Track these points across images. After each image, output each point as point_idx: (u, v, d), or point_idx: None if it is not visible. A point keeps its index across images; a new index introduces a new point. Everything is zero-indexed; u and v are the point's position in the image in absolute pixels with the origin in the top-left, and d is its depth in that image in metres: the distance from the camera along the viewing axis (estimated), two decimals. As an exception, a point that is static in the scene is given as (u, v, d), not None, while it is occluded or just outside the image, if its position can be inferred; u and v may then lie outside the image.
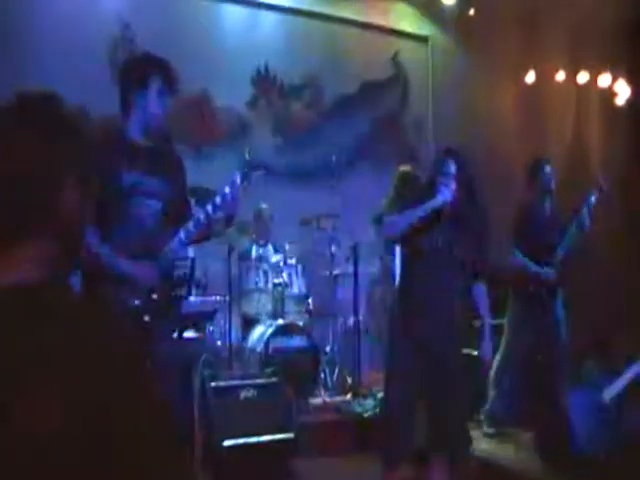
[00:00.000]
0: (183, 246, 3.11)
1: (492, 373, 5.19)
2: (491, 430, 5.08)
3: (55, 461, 1.08)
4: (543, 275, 4.93)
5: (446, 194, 3.63)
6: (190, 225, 3.02)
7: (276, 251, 6.02)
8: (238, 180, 3.01)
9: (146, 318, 2.91)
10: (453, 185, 3.67)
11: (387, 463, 3.65)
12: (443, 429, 3.59)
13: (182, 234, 3.03)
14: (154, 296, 2.97)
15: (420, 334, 3.60)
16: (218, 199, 2.98)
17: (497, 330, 5.38)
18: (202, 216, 2.99)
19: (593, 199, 4.99)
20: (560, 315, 5.06)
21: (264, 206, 5.98)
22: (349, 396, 5.48)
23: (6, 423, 1.09)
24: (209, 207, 2.98)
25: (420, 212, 3.62)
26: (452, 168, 3.69)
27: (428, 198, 3.64)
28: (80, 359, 1.14)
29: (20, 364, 1.12)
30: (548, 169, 5.14)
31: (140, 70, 3.07)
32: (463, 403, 3.80)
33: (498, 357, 5.18)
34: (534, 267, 4.95)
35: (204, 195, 3.13)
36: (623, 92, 8.39)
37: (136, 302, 2.90)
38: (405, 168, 6.21)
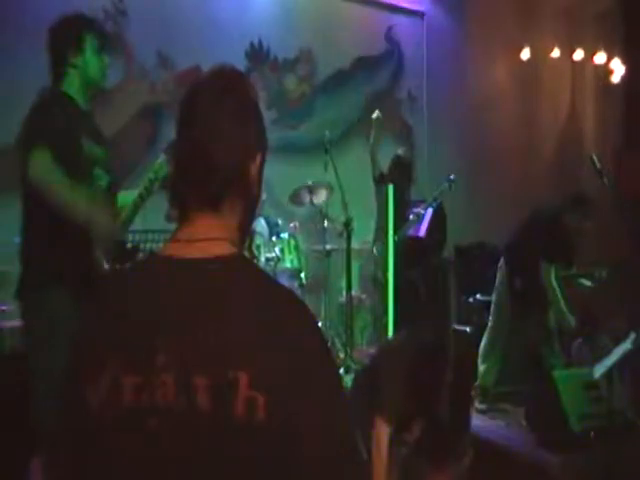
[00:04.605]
0: None
1: (482, 348, 5.23)
2: (482, 406, 5.12)
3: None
4: None
5: None
6: None
7: (268, 225, 5.99)
8: None
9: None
10: None
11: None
12: None
13: None
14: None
15: None
16: None
17: (486, 305, 5.46)
18: None
19: None
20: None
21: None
22: (341, 371, 5.50)
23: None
24: None
25: None
26: None
27: None
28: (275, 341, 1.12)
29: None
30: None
31: (74, 30, 2.91)
32: None
33: (487, 331, 5.23)
34: None
35: None
36: (618, 70, 8.39)
37: None
38: (400, 152, 6.19)
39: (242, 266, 1.23)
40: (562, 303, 4.87)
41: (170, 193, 1.28)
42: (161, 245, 1.30)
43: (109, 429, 1.13)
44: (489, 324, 5.24)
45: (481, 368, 5.19)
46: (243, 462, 1.07)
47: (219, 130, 1.24)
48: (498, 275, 5.25)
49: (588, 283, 5.51)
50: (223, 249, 1.22)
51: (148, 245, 4.08)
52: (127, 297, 1.22)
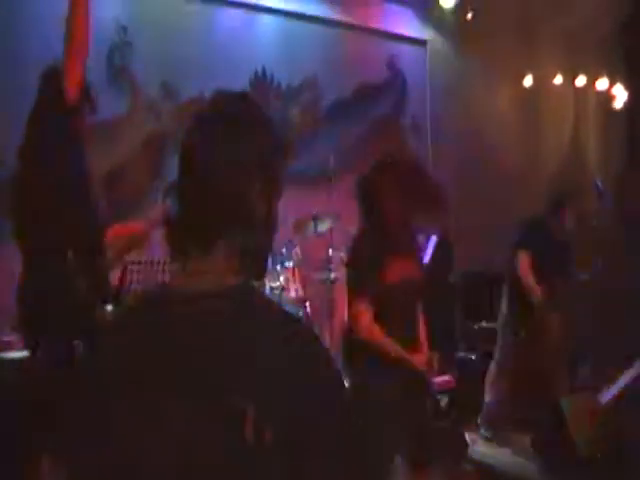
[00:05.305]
0: None
1: (488, 375, 5.19)
2: (488, 433, 5.08)
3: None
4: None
5: None
6: None
7: (272, 254, 5.97)
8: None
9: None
10: None
11: None
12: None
13: None
14: None
15: None
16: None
17: (491, 333, 5.43)
18: None
19: None
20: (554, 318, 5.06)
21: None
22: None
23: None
24: None
25: None
26: None
27: None
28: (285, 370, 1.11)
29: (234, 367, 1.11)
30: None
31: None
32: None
33: (493, 360, 5.20)
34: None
35: None
36: (620, 96, 8.42)
37: None
38: None
39: (249, 296, 1.23)
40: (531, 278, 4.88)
41: (168, 234, 1.27)
42: (167, 277, 1.30)
43: (122, 460, 1.13)
44: (495, 351, 5.22)
45: (488, 397, 5.16)
46: None
47: (205, 165, 1.22)
48: (503, 300, 5.24)
49: (586, 276, 5.51)
50: (230, 279, 1.21)
51: (152, 276, 4.08)
52: (135, 330, 1.22)
